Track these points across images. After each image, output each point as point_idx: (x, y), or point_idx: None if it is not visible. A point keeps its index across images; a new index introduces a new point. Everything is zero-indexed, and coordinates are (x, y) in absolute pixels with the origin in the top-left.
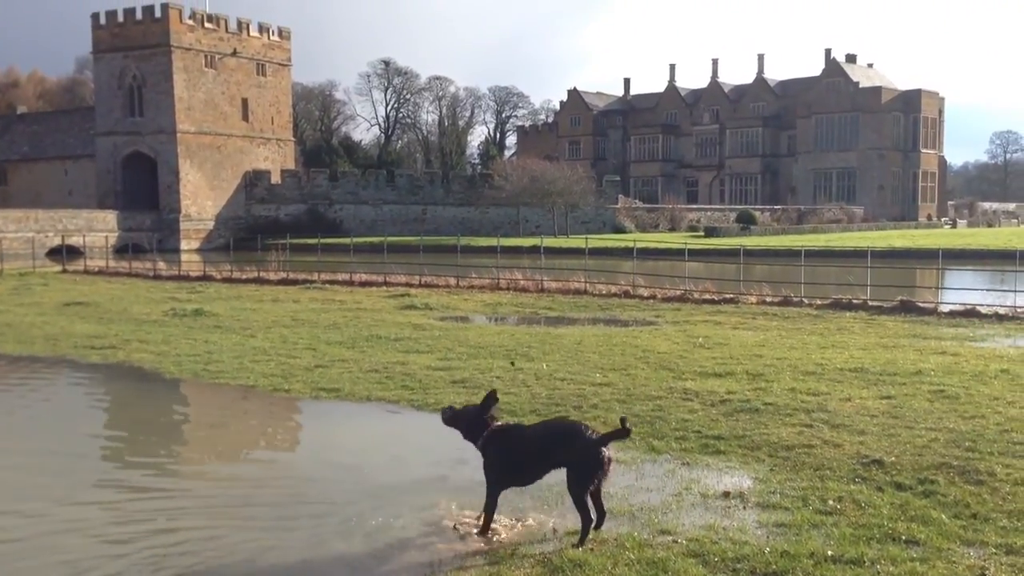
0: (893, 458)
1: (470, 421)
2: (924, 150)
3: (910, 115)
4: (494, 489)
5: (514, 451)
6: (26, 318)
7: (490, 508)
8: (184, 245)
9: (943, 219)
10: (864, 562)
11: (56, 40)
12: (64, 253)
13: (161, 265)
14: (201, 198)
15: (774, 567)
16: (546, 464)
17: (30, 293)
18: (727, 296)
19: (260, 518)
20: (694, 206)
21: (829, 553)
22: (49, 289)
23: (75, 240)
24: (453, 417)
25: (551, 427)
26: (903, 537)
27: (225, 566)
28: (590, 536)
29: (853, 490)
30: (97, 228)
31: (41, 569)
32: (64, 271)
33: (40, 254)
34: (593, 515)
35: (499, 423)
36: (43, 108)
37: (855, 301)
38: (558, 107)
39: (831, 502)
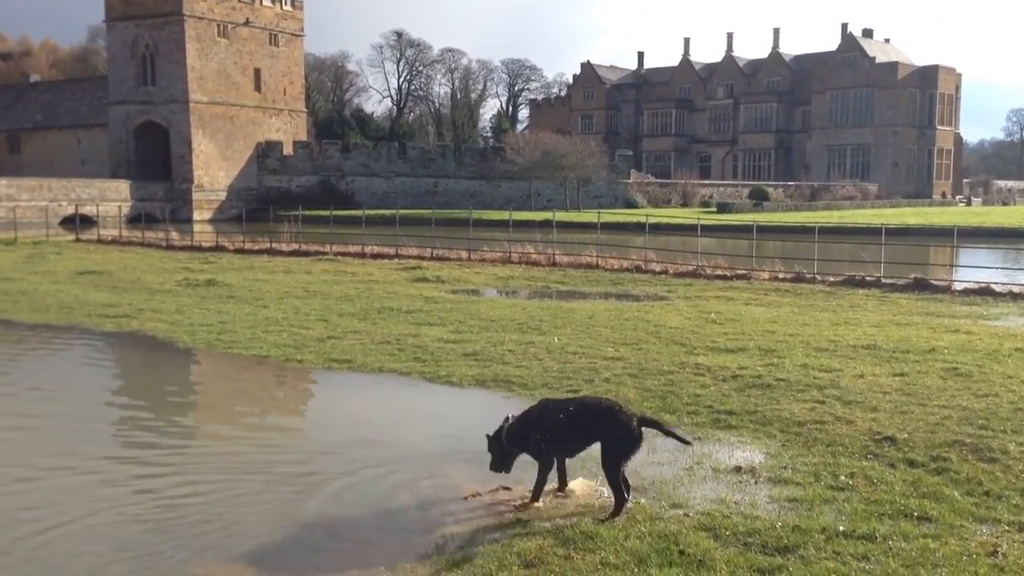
0: (906, 435)
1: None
2: (940, 127)
3: (926, 91)
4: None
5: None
6: (40, 286)
7: (540, 483)
8: (196, 216)
9: (958, 197)
10: (876, 538)
11: (69, 8)
12: (77, 222)
13: (174, 235)
14: (213, 169)
15: (786, 542)
16: (581, 439)
17: (44, 262)
18: (739, 272)
19: (273, 485)
20: (707, 181)
21: (841, 528)
22: (63, 258)
23: (88, 209)
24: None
25: (585, 404)
26: (915, 514)
27: (238, 531)
28: (595, 505)
29: (865, 466)
30: (110, 198)
31: (60, 540)
32: (77, 240)
33: (53, 223)
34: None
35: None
36: (56, 77)
37: (868, 278)
38: (571, 81)
39: (843, 478)
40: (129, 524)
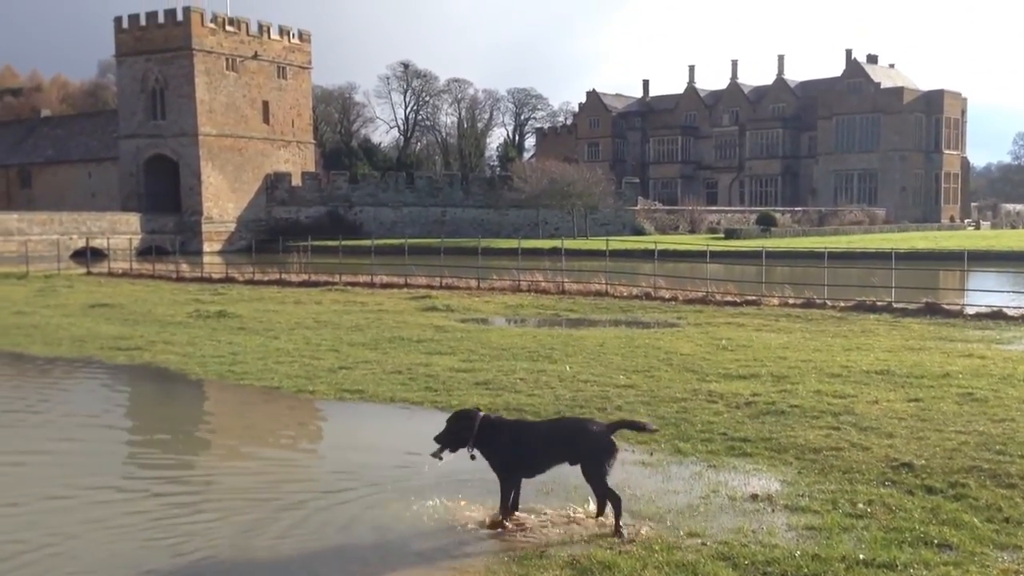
0: (923, 461)
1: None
2: (947, 151)
3: (932, 116)
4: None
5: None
6: (52, 320)
7: (505, 498)
8: (206, 247)
9: (966, 221)
10: (896, 566)
11: (79, 44)
12: (88, 255)
13: (184, 267)
14: (223, 200)
15: (805, 571)
16: (554, 457)
17: (55, 295)
18: (749, 298)
19: (286, 511)
20: (714, 208)
21: (861, 557)
22: (74, 291)
23: (99, 242)
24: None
25: (559, 424)
26: (935, 541)
27: (249, 554)
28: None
29: (883, 493)
30: (120, 230)
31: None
32: (88, 273)
33: (64, 256)
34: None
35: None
36: (66, 112)
37: (879, 303)
38: (577, 109)
39: (861, 505)
40: (138, 552)
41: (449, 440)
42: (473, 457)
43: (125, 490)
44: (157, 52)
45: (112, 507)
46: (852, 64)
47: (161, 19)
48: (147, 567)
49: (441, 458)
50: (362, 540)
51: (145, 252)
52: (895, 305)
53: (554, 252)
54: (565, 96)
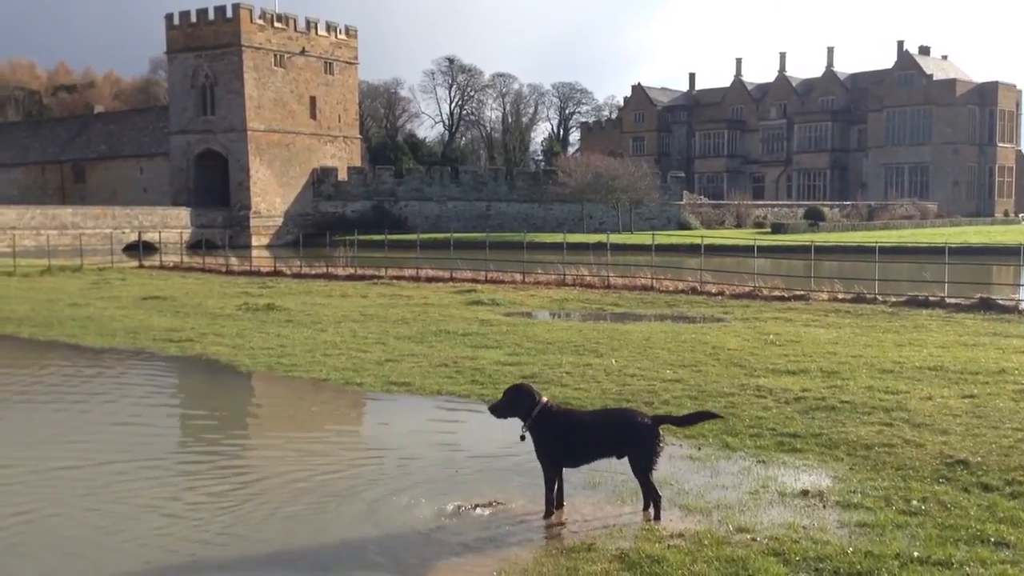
0: (979, 458)
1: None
2: (1001, 144)
3: (986, 108)
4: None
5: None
6: (106, 312)
7: (548, 490)
8: (254, 241)
9: (1020, 215)
10: (952, 564)
11: (131, 41)
12: (140, 249)
13: (233, 261)
14: (270, 195)
15: (858, 567)
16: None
17: (109, 287)
18: (797, 293)
19: (334, 499)
20: (760, 202)
21: (915, 554)
22: (127, 284)
23: (150, 236)
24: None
25: (609, 414)
26: (992, 539)
27: (296, 541)
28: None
29: (938, 491)
30: (171, 224)
31: (128, 546)
32: (140, 266)
33: (117, 250)
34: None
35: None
36: (119, 108)
37: (932, 298)
38: (622, 103)
39: (915, 502)
40: (195, 533)
41: (504, 411)
42: (523, 438)
43: (173, 481)
44: (207, 48)
45: (179, 496)
46: (904, 56)
47: (211, 16)
48: (198, 538)
49: (524, 438)
50: (410, 530)
51: (195, 246)
52: (948, 300)
53: (599, 246)
54: (610, 90)
